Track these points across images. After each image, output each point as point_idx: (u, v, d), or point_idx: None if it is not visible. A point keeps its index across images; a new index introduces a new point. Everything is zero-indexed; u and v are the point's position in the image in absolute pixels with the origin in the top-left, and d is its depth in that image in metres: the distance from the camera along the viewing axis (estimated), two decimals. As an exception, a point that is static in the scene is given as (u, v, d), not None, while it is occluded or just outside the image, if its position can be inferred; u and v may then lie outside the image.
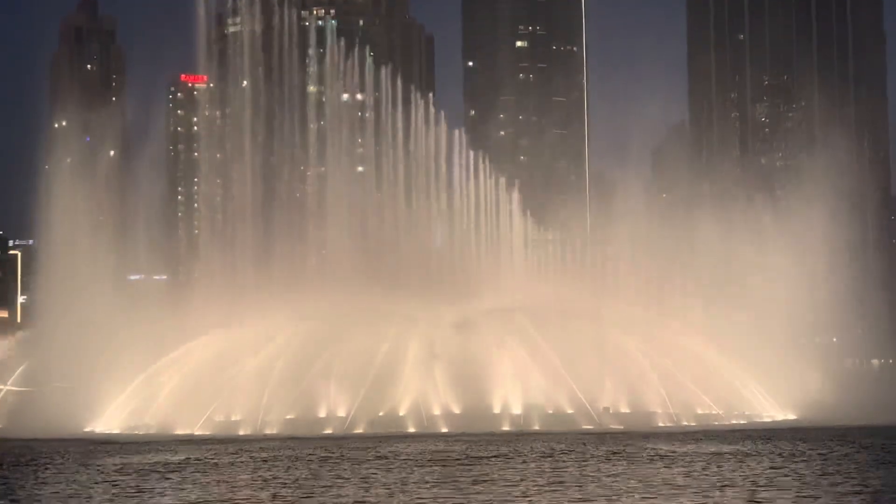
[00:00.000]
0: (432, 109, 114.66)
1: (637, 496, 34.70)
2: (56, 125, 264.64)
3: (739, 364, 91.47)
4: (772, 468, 43.90)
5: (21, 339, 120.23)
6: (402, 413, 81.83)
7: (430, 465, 47.31)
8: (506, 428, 78.76)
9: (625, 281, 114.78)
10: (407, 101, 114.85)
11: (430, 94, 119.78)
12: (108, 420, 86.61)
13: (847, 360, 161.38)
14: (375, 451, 57.43)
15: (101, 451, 61.53)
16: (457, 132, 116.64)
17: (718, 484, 38.00)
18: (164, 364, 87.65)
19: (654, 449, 55.35)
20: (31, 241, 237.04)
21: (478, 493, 36.38)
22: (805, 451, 52.43)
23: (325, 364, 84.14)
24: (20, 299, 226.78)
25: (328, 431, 78.53)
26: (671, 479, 39.58)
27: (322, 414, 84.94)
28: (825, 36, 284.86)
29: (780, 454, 50.99)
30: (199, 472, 46.30)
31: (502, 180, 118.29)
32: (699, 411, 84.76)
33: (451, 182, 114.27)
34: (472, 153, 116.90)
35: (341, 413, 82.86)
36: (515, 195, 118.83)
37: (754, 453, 51.74)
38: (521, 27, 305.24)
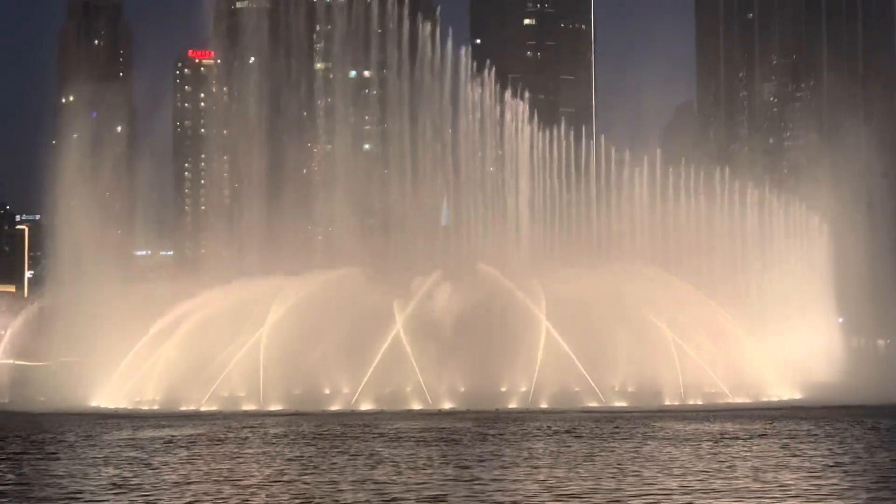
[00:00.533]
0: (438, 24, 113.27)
1: (646, 474, 34.65)
2: (63, 100, 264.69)
3: (749, 341, 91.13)
4: (780, 448, 43.81)
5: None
6: (408, 390, 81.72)
7: (437, 443, 47.28)
8: (512, 406, 78.70)
9: (632, 246, 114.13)
10: (413, 20, 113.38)
11: (438, 9, 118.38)
12: (114, 394, 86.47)
13: (853, 340, 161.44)
14: (382, 428, 57.43)
15: (108, 425, 61.60)
16: (462, 48, 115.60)
17: (726, 463, 37.93)
18: (159, 331, 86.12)
19: (662, 428, 55.29)
20: (38, 217, 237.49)
21: (485, 470, 36.33)
22: (812, 431, 52.34)
23: (332, 339, 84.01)
24: (27, 274, 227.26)
25: (335, 408, 78.51)
26: (679, 459, 39.51)
27: (327, 390, 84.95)
28: (835, 15, 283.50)
29: (787, 434, 50.91)
30: (205, 447, 46.32)
31: (508, 91, 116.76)
32: (706, 390, 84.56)
33: (457, 94, 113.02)
34: (476, 63, 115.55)
35: (347, 390, 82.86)
36: (523, 104, 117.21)
37: (762, 433, 51.66)
38: (530, 4, 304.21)
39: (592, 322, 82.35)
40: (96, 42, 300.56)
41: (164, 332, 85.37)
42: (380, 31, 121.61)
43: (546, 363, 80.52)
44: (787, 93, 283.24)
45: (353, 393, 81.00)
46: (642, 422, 60.01)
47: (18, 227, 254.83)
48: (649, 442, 46.83)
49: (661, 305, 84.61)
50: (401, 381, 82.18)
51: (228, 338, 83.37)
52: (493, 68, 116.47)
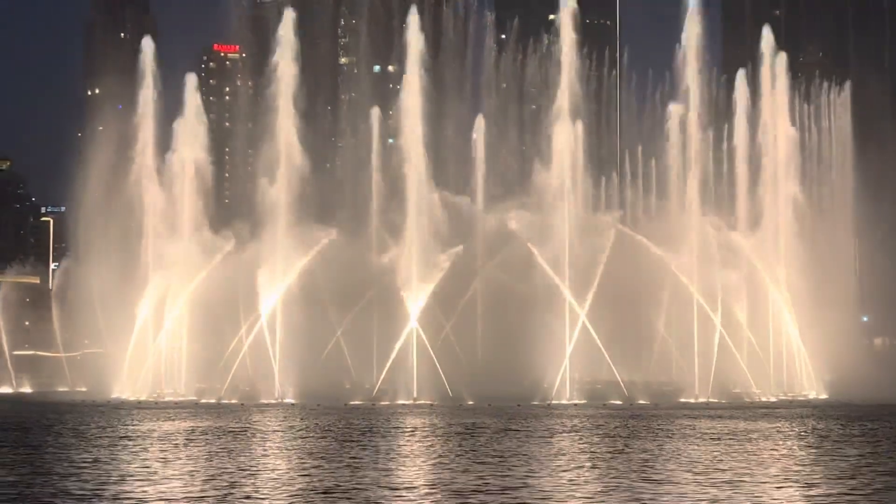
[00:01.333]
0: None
1: (678, 473, 34.21)
2: (89, 93, 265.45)
3: (777, 339, 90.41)
4: (807, 446, 43.34)
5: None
6: (428, 386, 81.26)
7: (461, 438, 46.94)
8: (535, 402, 78.21)
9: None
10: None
11: None
12: (133, 385, 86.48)
13: (877, 340, 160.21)
14: (404, 422, 57.15)
15: (128, 416, 61.57)
16: (487, 14, 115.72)
17: (754, 461, 37.49)
18: (148, 316, 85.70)
19: (690, 425, 54.81)
20: (63, 209, 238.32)
21: (512, 466, 35.98)
22: (839, 430, 51.79)
23: (348, 332, 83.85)
24: (52, 266, 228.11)
25: (355, 402, 78.23)
26: (706, 457, 39.05)
27: (347, 385, 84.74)
28: (862, 12, 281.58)
29: (814, 432, 50.39)
30: (225, 439, 46.13)
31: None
32: (733, 389, 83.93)
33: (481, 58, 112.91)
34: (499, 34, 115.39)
35: (367, 384, 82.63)
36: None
37: (788, 431, 51.15)
38: None
39: (639, 308, 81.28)
40: (122, 35, 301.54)
41: (153, 316, 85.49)
42: (404, 25, 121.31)
43: (575, 357, 79.79)
44: (813, 91, 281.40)
45: (373, 387, 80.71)
46: (669, 419, 59.53)
47: (44, 218, 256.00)
48: (676, 440, 46.38)
49: (718, 291, 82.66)
50: (420, 376, 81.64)
51: (235, 321, 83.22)
52: (516, 20, 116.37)
